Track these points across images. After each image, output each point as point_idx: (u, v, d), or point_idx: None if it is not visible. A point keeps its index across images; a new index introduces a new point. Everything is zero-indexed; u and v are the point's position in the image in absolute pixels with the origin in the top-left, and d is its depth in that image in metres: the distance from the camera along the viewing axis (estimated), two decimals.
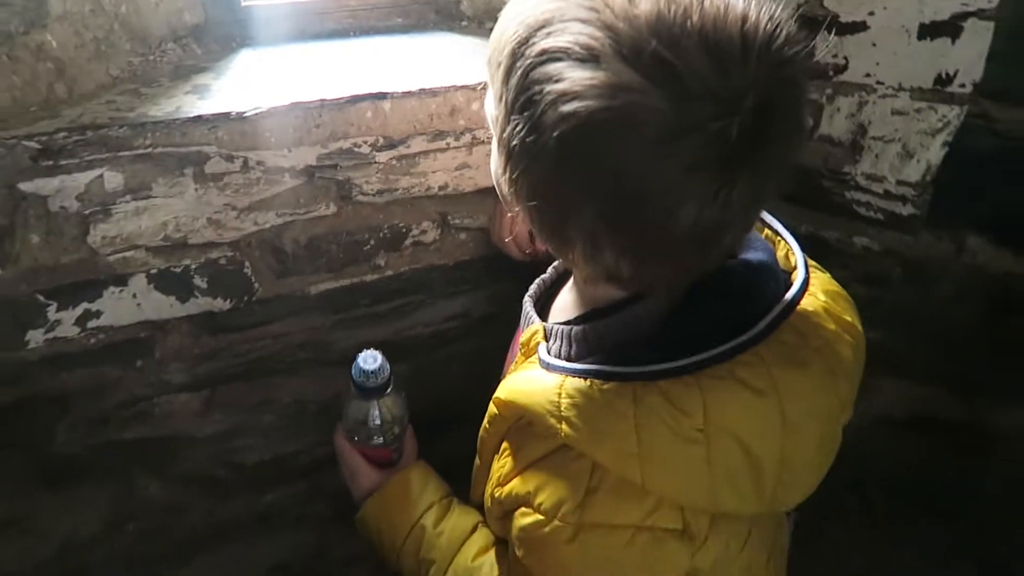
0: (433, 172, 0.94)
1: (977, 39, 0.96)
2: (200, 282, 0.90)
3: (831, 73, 1.06)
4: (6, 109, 0.79)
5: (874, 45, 1.02)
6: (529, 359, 0.67)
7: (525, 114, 0.52)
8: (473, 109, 0.91)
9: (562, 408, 0.58)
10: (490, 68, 0.59)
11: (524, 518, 0.62)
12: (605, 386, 0.58)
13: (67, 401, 0.92)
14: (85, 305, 0.86)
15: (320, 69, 0.94)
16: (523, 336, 0.69)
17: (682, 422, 0.55)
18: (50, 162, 0.78)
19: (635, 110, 0.48)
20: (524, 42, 0.53)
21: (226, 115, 0.81)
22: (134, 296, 0.88)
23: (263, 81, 0.90)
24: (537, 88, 0.51)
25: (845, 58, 1.04)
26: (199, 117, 0.81)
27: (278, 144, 0.85)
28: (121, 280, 0.87)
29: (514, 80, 0.53)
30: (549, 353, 0.65)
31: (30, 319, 0.85)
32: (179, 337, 0.94)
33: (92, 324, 0.88)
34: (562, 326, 0.66)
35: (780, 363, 0.58)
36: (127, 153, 0.80)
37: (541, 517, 0.60)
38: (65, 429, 0.93)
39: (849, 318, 0.64)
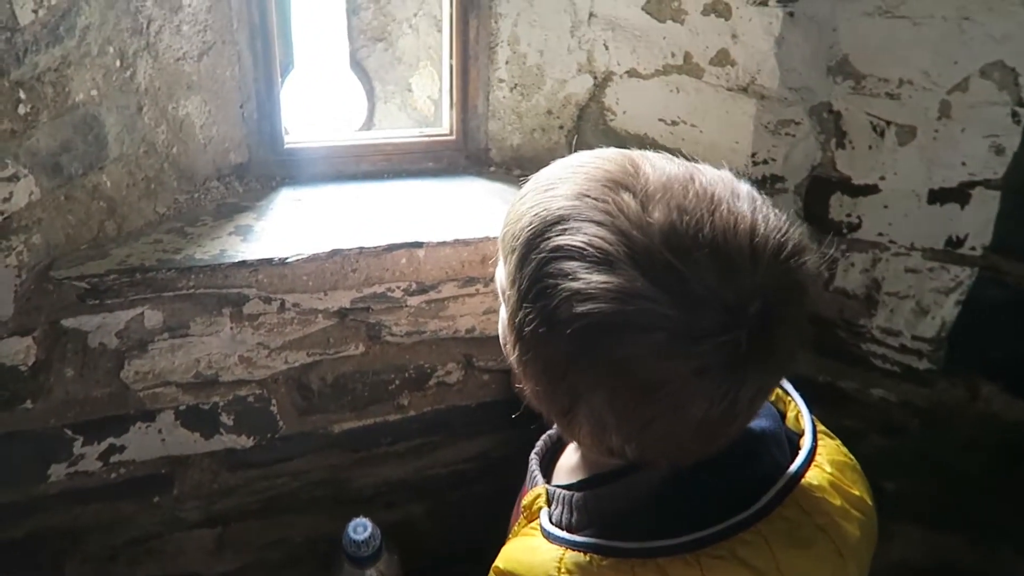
0: (461, 316, 0.97)
1: (985, 206, 1.01)
2: (227, 419, 0.91)
3: (844, 231, 1.10)
4: (59, 247, 0.82)
5: (886, 207, 1.06)
6: (531, 523, 0.66)
7: (538, 304, 0.54)
8: None
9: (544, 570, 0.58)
10: (504, 248, 0.61)
11: None
12: (604, 562, 0.57)
13: (79, 536, 0.91)
14: (111, 440, 0.87)
15: (356, 213, 0.98)
16: (526, 499, 0.68)
17: None
18: (96, 301, 0.80)
19: (647, 316, 0.50)
20: (539, 235, 0.55)
21: (269, 260, 0.84)
22: (159, 432, 0.88)
23: (302, 224, 0.94)
24: (551, 282, 0.53)
25: (859, 217, 1.09)
26: (243, 262, 0.84)
27: (315, 287, 0.88)
28: (149, 415, 0.87)
29: (528, 269, 0.55)
30: (551, 520, 0.65)
31: (55, 453, 0.85)
32: (199, 473, 0.93)
33: (115, 459, 0.88)
34: (565, 491, 0.65)
35: (782, 542, 0.57)
36: (170, 293, 0.83)
37: None
38: (75, 565, 0.91)
39: (858, 492, 0.63)
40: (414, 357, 0.98)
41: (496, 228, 0.94)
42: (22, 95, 0.77)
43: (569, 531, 0.62)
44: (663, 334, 0.50)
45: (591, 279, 0.51)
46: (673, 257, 0.50)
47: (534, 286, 0.54)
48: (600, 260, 0.51)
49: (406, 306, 0.93)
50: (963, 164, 1.00)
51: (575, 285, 0.51)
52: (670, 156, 0.59)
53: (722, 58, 1.03)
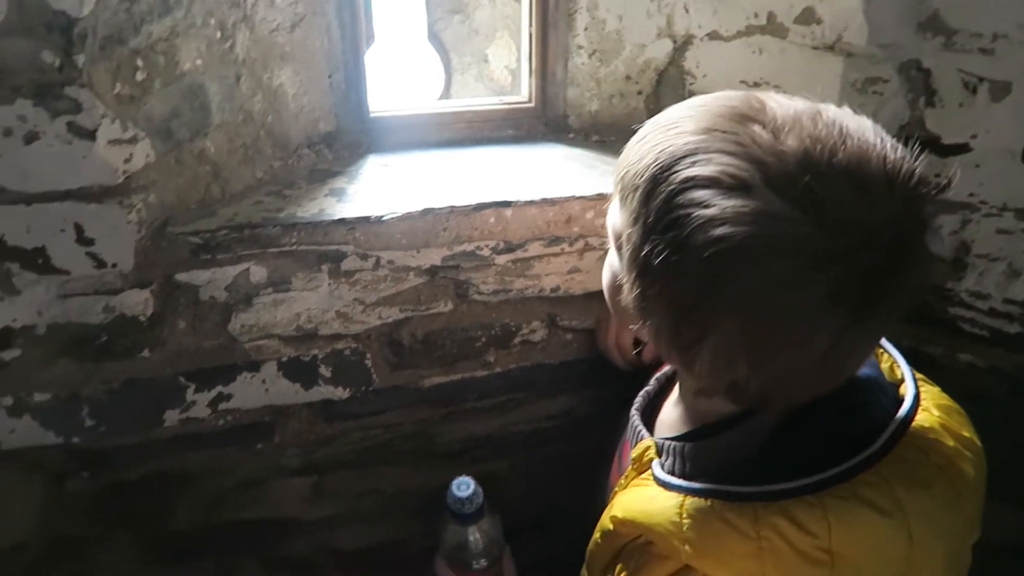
0: (546, 275, 0.99)
1: None
2: (325, 371, 0.95)
3: (933, 192, 1.08)
4: (171, 207, 0.87)
5: (977, 166, 1.04)
6: (642, 475, 0.67)
7: (668, 235, 0.54)
8: (587, 217, 0.96)
9: (684, 529, 0.58)
10: (623, 188, 0.61)
11: None
12: (727, 506, 0.58)
13: (189, 480, 0.97)
14: (219, 388, 0.92)
15: (442, 176, 1.02)
16: (635, 451, 0.70)
17: (807, 543, 0.55)
18: (207, 256, 0.85)
19: (785, 238, 0.51)
20: (667, 169, 0.56)
21: (365, 218, 0.88)
22: (263, 382, 0.93)
23: (392, 186, 0.97)
24: (683, 212, 0.53)
25: (947, 178, 1.07)
26: (342, 220, 0.88)
27: (408, 245, 0.91)
28: (254, 366, 0.92)
29: (656, 202, 0.56)
30: (663, 470, 0.66)
31: (169, 400, 0.91)
32: (298, 423, 0.98)
33: (223, 406, 0.93)
34: (674, 442, 0.67)
35: (903, 482, 0.57)
36: (274, 249, 0.87)
37: None
38: (186, 507, 0.97)
39: (967, 433, 0.63)
40: (500, 315, 1.01)
41: (580, 189, 0.96)
42: (139, 63, 0.82)
43: (684, 479, 0.63)
44: (801, 257, 0.51)
45: (726, 204, 0.52)
46: (811, 180, 0.51)
47: (664, 217, 0.55)
48: (735, 186, 0.52)
49: (493, 264, 0.96)
50: None
51: (709, 212, 0.52)
52: (789, 95, 0.59)
53: (807, 16, 1.02)
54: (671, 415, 0.75)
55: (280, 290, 0.89)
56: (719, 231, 0.52)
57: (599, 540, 0.69)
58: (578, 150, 1.15)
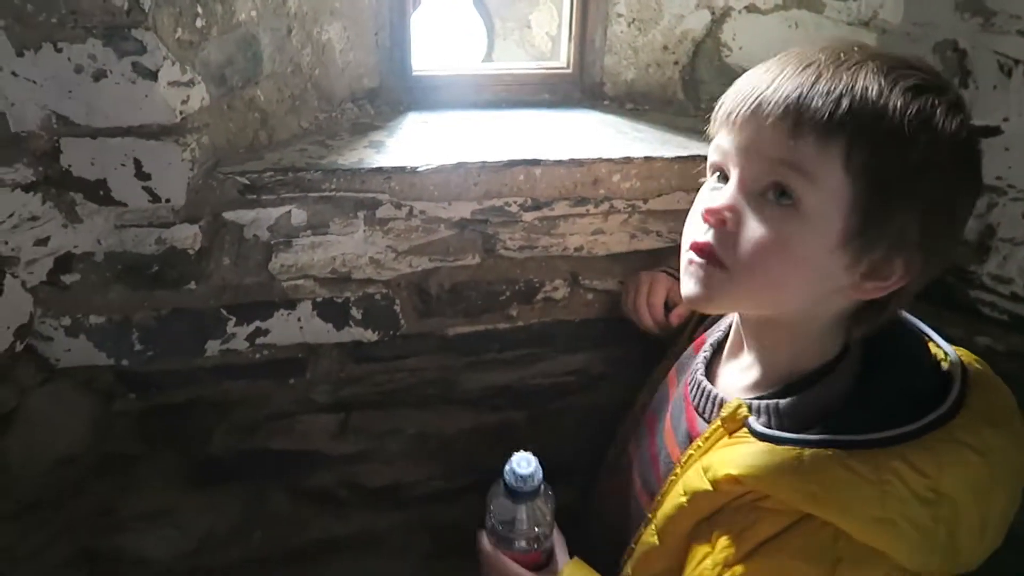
0: (571, 234, 1.03)
1: None
2: (356, 313, 1.01)
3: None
4: (222, 149, 0.93)
5: (1007, 149, 1.04)
6: (734, 434, 0.68)
7: (917, 139, 0.61)
8: (614, 180, 1.00)
9: (808, 479, 0.61)
10: (803, 124, 0.61)
11: None
12: (846, 454, 0.61)
13: (226, 408, 1.03)
14: (258, 323, 0.98)
15: (478, 135, 1.05)
16: (726, 411, 0.69)
17: (921, 484, 0.59)
18: (253, 196, 0.91)
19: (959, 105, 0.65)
20: (874, 84, 0.62)
21: (401, 168, 0.92)
22: (299, 320, 0.99)
23: (429, 142, 1.02)
24: (924, 115, 0.61)
25: None
26: (379, 168, 0.92)
27: (440, 197, 0.95)
28: (291, 304, 0.98)
29: (888, 114, 0.61)
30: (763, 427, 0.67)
31: (211, 330, 0.97)
32: (329, 362, 1.04)
33: (260, 341, 0.99)
34: (764, 401, 0.69)
35: (986, 423, 0.62)
36: (314, 194, 0.92)
37: None
38: (221, 433, 1.04)
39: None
40: (524, 271, 1.05)
41: (608, 152, 0.99)
42: (199, 10, 0.87)
43: (791, 433, 0.65)
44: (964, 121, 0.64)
45: (944, 99, 0.64)
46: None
47: (903, 124, 0.61)
48: (934, 86, 0.64)
49: (521, 221, 1.00)
50: None
51: (942, 109, 0.63)
52: None
53: None
54: (741, 379, 0.75)
55: (318, 233, 0.95)
56: (957, 121, 0.63)
57: (684, 505, 0.69)
58: (612, 116, 1.18)
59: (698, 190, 1.02)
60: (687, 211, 1.03)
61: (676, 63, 1.20)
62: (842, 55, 0.64)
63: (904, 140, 0.61)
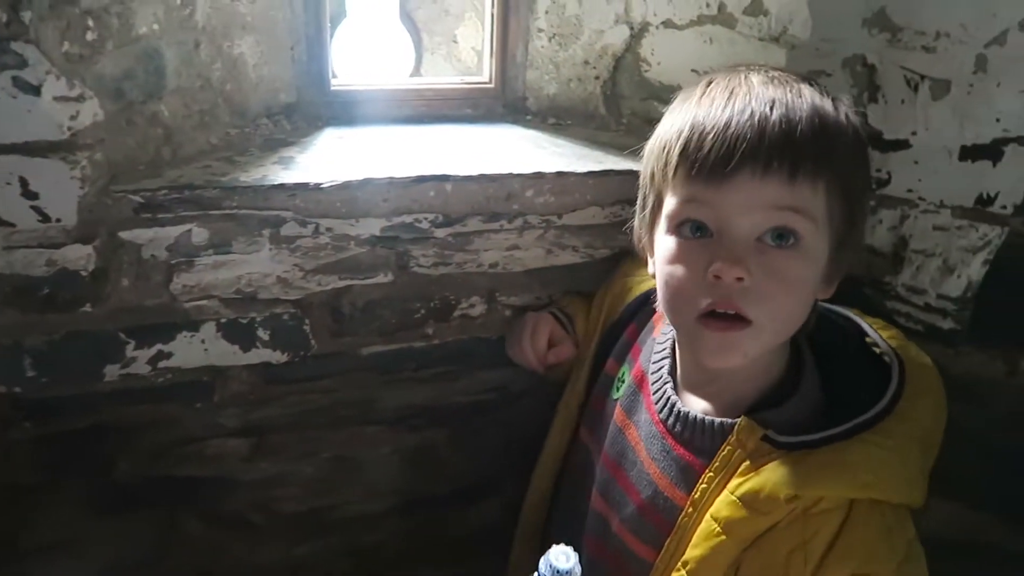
0: (486, 250, 1.01)
1: (1017, 164, 0.99)
2: (263, 334, 0.98)
3: (874, 186, 1.10)
4: (118, 165, 0.90)
5: (916, 163, 1.06)
6: (759, 456, 0.69)
7: (861, 149, 0.71)
8: (527, 195, 0.99)
9: (858, 470, 0.66)
10: (796, 163, 0.65)
11: None
12: (871, 433, 0.67)
13: (129, 434, 1.00)
14: (159, 346, 0.95)
15: (393, 150, 1.04)
16: (738, 435, 0.70)
17: (915, 438, 0.69)
18: (148, 215, 0.88)
19: None
20: (818, 116, 0.68)
21: (305, 185, 0.90)
22: (203, 342, 0.96)
23: (342, 158, 1.00)
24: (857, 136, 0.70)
25: (888, 173, 1.09)
26: (282, 185, 0.90)
27: (348, 214, 0.93)
28: (194, 326, 0.95)
29: (839, 144, 0.68)
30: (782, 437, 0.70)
31: (110, 354, 0.94)
32: (237, 384, 1.01)
33: (163, 364, 0.96)
34: (760, 415, 0.71)
35: (917, 392, 0.73)
36: (215, 212, 0.90)
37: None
38: (126, 460, 1.00)
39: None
40: (440, 288, 1.03)
41: (522, 167, 0.99)
42: (90, 23, 0.84)
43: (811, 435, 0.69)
44: None
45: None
46: None
47: (857, 148, 0.71)
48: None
49: (433, 237, 0.98)
50: (997, 120, 0.99)
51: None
52: None
53: (756, 7, 1.04)
54: (709, 406, 0.76)
55: (221, 252, 0.92)
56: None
57: (722, 540, 0.68)
58: (533, 131, 1.17)
59: (613, 204, 1.03)
60: (603, 226, 1.04)
61: (597, 78, 1.20)
62: (776, 80, 0.69)
63: (856, 156, 0.70)
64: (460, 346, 1.08)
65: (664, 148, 0.70)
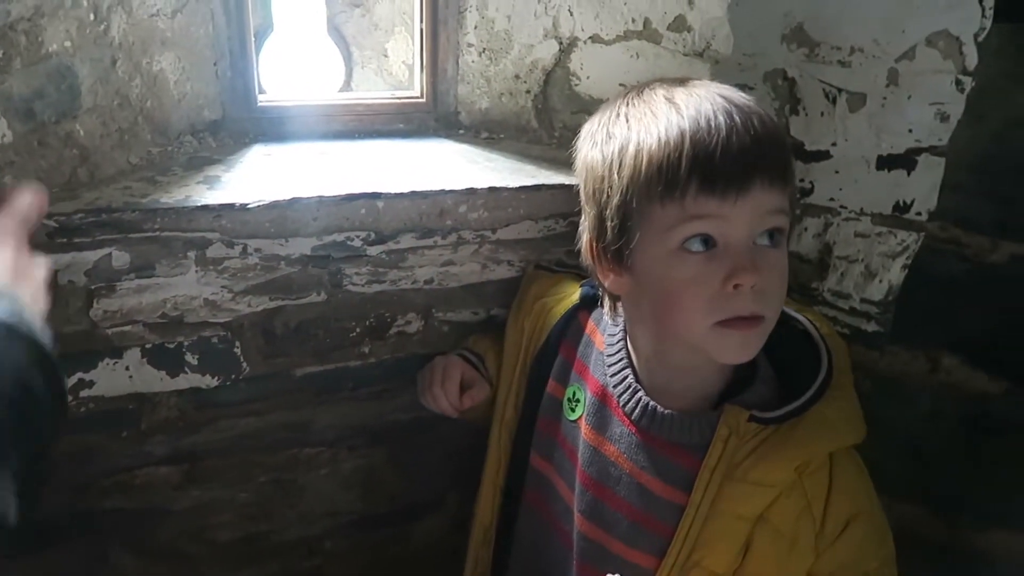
0: (420, 267, 1.01)
1: (930, 172, 1.04)
2: (191, 359, 0.95)
3: (798, 196, 1.14)
4: None
5: (837, 172, 1.10)
6: (749, 438, 0.74)
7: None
8: (460, 211, 0.98)
9: (838, 424, 0.74)
10: (774, 169, 0.71)
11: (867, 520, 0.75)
12: (830, 392, 0.75)
13: (53, 466, 0.95)
14: (80, 374, 0.91)
15: (323, 167, 1.02)
16: (728, 423, 0.74)
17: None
18: (64, 239, 0.84)
19: None
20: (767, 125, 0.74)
21: (231, 205, 0.88)
22: (127, 368, 0.93)
23: (269, 176, 0.98)
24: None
25: (811, 182, 1.12)
26: (206, 206, 0.88)
27: (277, 234, 0.92)
28: (117, 352, 0.91)
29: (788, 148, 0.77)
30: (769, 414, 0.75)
31: None
32: (166, 410, 0.98)
33: (85, 393, 0.92)
34: (734, 401, 0.76)
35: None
36: (136, 235, 0.87)
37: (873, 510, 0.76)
38: (50, 493, 0.96)
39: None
40: (375, 306, 1.02)
41: (454, 183, 0.98)
42: None
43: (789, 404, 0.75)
44: None
45: None
46: None
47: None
48: None
49: (366, 255, 0.97)
50: (910, 131, 1.03)
51: None
52: None
53: (679, 24, 1.07)
54: (677, 404, 0.79)
55: (144, 276, 0.89)
56: None
57: (740, 527, 0.74)
58: (466, 146, 1.17)
59: (547, 218, 1.04)
60: (537, 239, 1.05)
61: (528, 92, 1.21)
62: (700, 86, 0.75)
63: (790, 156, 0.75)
64: (398, 364, 1.07)
65: (656, 165, 0.70)
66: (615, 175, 0.72)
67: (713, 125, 0.68)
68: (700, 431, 0.76)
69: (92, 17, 0.93)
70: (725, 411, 0.74)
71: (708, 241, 0.70)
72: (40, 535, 0.99)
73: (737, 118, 0.69)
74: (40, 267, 0.58)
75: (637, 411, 0.79)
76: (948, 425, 1.18)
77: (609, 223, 0.74)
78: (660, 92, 0.74)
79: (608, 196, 0.74)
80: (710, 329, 0.71)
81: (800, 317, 0.85)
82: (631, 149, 0.71)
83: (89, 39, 0.93)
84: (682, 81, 0.77)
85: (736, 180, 0.67)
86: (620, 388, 0.81)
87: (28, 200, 0.60)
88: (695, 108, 0.70)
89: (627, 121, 0.73)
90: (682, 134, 0.69)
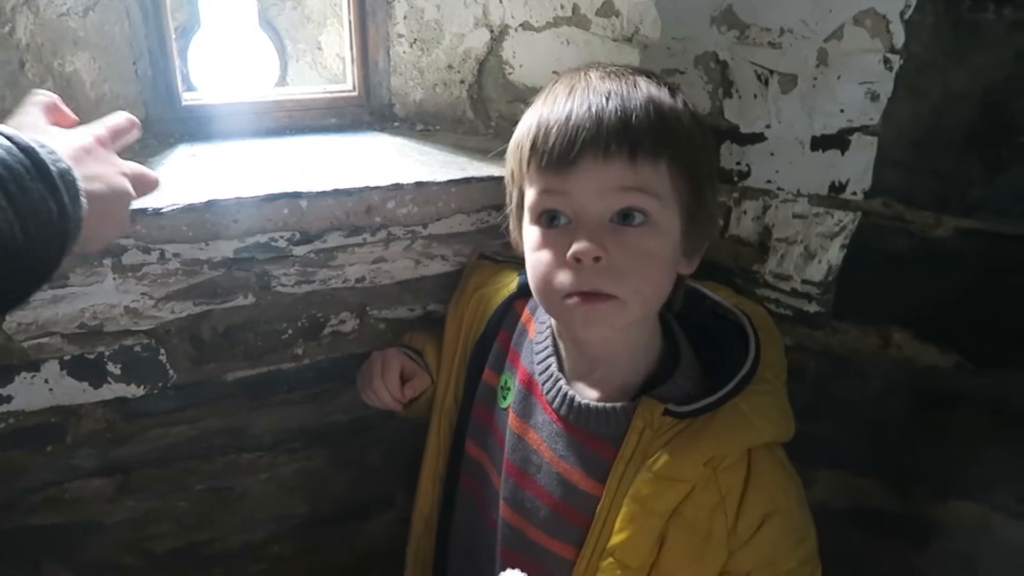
0: (351, 265, 0.99)
1: (863, 152, 1.03)
2: (114, 368, 0.93)
3: (736, 179, 1.13)
4: None
5: (772, 155, 1.09)
6: (663, 432, 0.73)
7: (696, 129, 0.78)
8: (388, 207, 0.96)
9: (752, 420, 0.72)
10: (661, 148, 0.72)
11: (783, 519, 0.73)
12: (755, 383, 0.74)
13: None
14: None
15: (248, 167, 1.00)
16: (642, 418, 0.74)
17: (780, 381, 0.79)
18: None
19: None
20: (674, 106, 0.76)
21: (143, 210, 0.85)
22: (46, 381, 0.90)
23: (191, 178, 0.95)
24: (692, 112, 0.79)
25: (748, 165, 1.12)
26: None
27: (196, 238, 0.89)
28: (34, 366, 0.89)
29: (684, 128, 0.75)
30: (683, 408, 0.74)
31: None
32: (92, 422, 0.95)
33: (2, 409, 0.89)
34: (649, 394, 0.76)
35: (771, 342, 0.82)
36: None
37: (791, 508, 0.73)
38: None
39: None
40: (306, 307, 1.00)
41: (381, 179, 0.96)
42: None
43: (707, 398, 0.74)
44: None
45: None
46: None
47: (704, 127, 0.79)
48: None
49: (292, 255, 0.95)
50: (841, 111, 1.02)
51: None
52: None
53: (607, 9, 1.05)
54: (595, 393, 0.79)
55: (58, 286, 0.86)
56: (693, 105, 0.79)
57: (646, 521, 0.72)
58: (399, 139, 1.15)
59: (480, 211, 1.02)
60: (471, 232, 1.03)
61: (462, 82, 1.19)
62: (613, 74, 0.75)
63: (694, 136, 0.74)
64: (334, 364, 1.05)
65: (518, 146, 0.76)
66: (507, 160, 0.80)
67: (563, 106, 0.71)
68: (617, 423, 0.76)
69: None
70: (641, 404, 0.74)
71: (560, 217, 0.73)
72: None
73: (593, 100, 0.70)
74: (126, 165, 0.68)
75: (558, 400, 0.80)
76: (901, 399, 1.19)
77: (509, 206, 0.82)
78: (565, 80, 0.76)
79: (510, 179, 0.81)
80: (560, 303, 0.73)
81: (735, 310, 0.84)
82: (515, 133, 0.78)
83: None
84: (597, 66, 0.78)
85: (564, 153, 0.69)
86: (544, 376, 0.82)
87: (123, 118, 0.72)
88: (564, 92, 0.73)
89: (528, 108, 0.78)
90: (537, 116, 0.73)
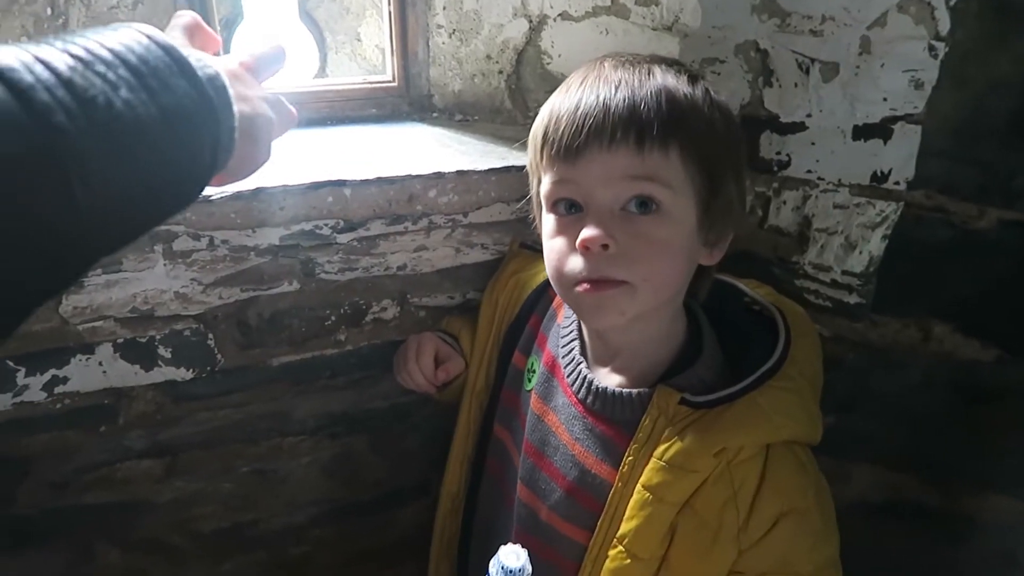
0: (392, 253, 1.00)
1: (907, 141, 1.02)
2: (165, 352, 0.95)
3: (775, 169, 1.13)
4: None
5: (813, 144, 1.08)
6: (677, 420, 0.72)
7: (716, 116, 0.75)
8: (430, 196, 0.97)
9: (772, 415, 0.70)
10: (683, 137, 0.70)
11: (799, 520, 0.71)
12: (775, 379, 0.73)
13: (28, 464, 0.96)
14: (53, 371, 0.91)
15: (292, 155, 1.01)
16: (658, 405, 0.73)
17: (806, 381, 0.76)
18: None
19: None
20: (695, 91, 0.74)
21: None
22: (100, 364, 0.93)
23: None
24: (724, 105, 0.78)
25: (788, 155, 1.11)
26: None
27: (243, 225, 0.91)
28: (88, 348, 0.91)
29: (700, 116, 0.73)
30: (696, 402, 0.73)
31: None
32: (143, 404, 0.98)
33: (59, 389, 0.92)
34: (669, 382, 0.75)
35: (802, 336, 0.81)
36: None
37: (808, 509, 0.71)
38: (25, 492, 0.96)
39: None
40: (349, 294, 1.02)
41: (422, 168, 0.97)
42: None
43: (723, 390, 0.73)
44: None
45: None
46: None
47: (718, 113, 0.75)
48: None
49: (336, 243, 0.96)
50: (884, 99, 1.02)
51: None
52: None
53: None
54: (617, 380, 0.79)
55: (111, 271, 0.89)
56: (716, 94, 0.76)
57: (654, 509, 0.71)
58: (439, 129, 1.16)
59: (519, 200, 1.03)
60: (510, 221, 1.04)
61: (501, 72, 1.20)
62: (627, 63, 0.73)
63: (712, 124, 0.72)
64: (375, 351, 1.06)
65: (534, 136, 0.77)
66: (529, 147, 0.80)
67: (573, 96, 0.71)
68: (632, 409, 0.75)
69: (49, 12, 0.92)
70: (657, 391, 0.74)
71: (574, 206, 0.73)
72: (18, 534, 0.99)
73: (602, 89, 0.70)
74: (269, 94, 0.65)
75: (578, 383, 0.80)
76: (940, 393, 1.18)
77: (532, 194, 0.82)
78: (581, 70, 0.76)
79: (530, 168, 0.81)
80: (571, 290, 0.73)
81: (769, 305, 0.84)
82: (534, 123, 0.78)
83: (48, 34, 0.92)
84: (614, 56, 0.77)
85: (572, 142, 0.69)
86: (567, 359, 0.83)
87: (270, 46, 0.70)
88: (577, 83, 0.73)
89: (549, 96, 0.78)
90: (550, 107, 0.74)
